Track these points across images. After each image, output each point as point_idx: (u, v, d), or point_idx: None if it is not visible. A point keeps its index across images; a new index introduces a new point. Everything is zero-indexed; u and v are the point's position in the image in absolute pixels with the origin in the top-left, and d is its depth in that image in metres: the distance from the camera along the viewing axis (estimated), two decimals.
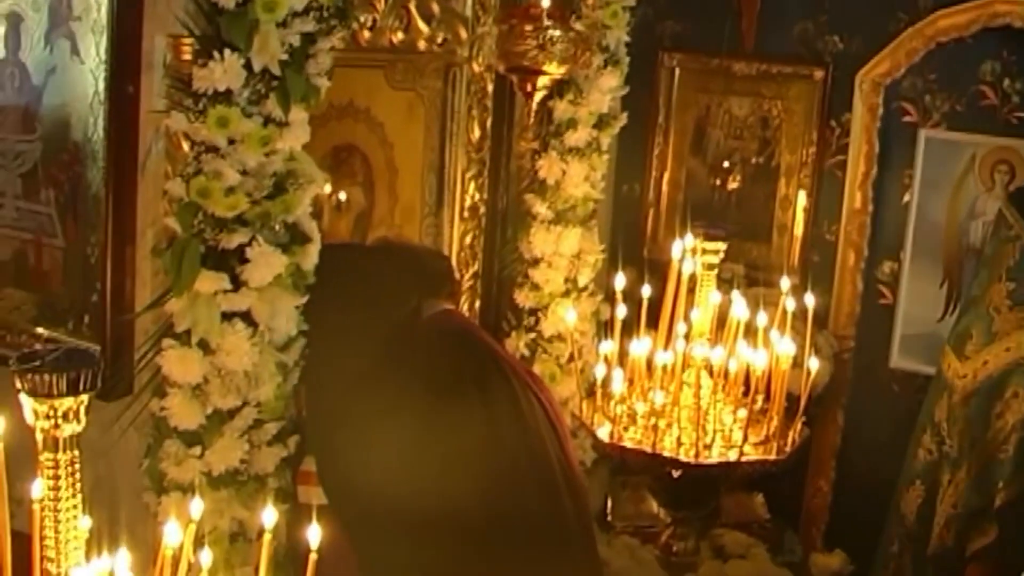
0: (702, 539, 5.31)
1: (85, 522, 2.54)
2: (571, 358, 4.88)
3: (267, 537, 2.62)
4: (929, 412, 5.18)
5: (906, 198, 5.84)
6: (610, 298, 4.82)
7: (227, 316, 3.51)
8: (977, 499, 4.86)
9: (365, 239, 4.52)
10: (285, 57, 3.45)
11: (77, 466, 2.38)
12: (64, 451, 2.35)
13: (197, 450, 3.54)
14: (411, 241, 4.66)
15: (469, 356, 3.95)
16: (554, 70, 4.47)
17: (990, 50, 5.58)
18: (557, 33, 4.38)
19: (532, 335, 5.13)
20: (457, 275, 4.71)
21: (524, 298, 5.11)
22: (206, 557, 2.60)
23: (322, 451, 3.81)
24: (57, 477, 2.37)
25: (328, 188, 4.32)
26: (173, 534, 2.49)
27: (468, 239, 4.93)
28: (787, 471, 4.90)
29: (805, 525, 6.11)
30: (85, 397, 2.32)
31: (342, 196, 4.46)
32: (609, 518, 5.75)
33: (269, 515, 2.65)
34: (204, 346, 3.50)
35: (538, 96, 4.57)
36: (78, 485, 2.39)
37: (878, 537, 5.57)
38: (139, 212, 3.66)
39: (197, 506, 2.64)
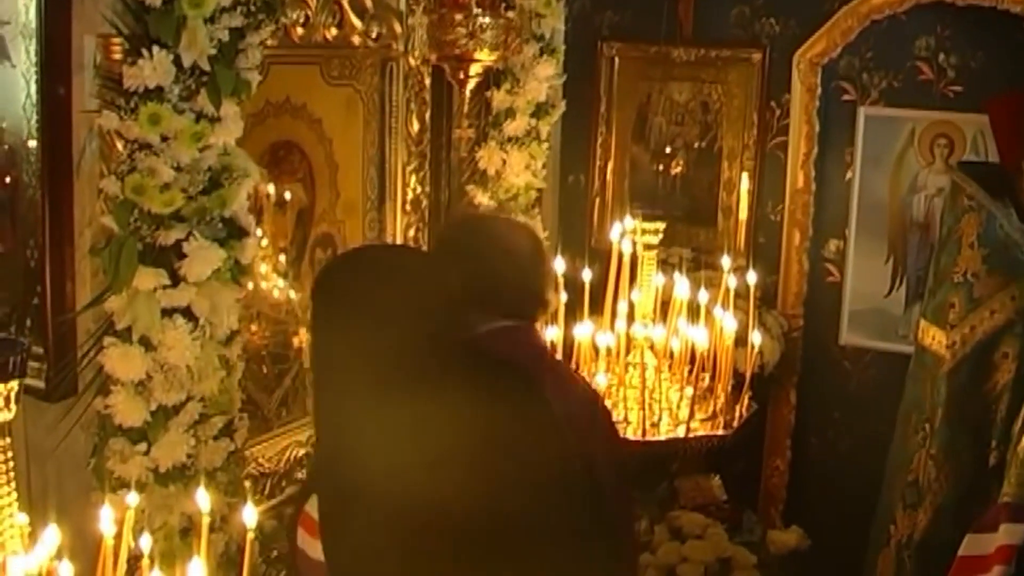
0: (659, 522, 5.34)
1: (22, 518, 2.55)
2: None
3: (205, 520, 2.64)
4: (915, 394, 5.21)
5: (848, 176, 5.90)
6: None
7: (167, 312, 3.52)
8: (980, 465, 4.93)
9: (307, 235, 4.52)
10: (214, 52, 3.47)
11: (10, 454, 2.40)
12: None
13: (143, 447, 3.54)
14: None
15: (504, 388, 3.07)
16: (485, 57, 4.50)
17: (924, 26, 5.65)
18: (487, 20, 4.41)
19: None
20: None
21: None
22: (145, 542, 2.62)
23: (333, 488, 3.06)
24: None
25: (272, 189, 4.34)
26: (106, 521, 2.50)
27: (412, 232, 4.95)
28: (740, 450, 4.94)
29: (764, 505, 6.15)
30: (15, 383, 2.34)
31: (287, 195, 4.46)
32: None
33: (202, 498, 2.66)
34: (145, 343, 3.50)
35: (471, 84, 4.60)
36: (12, 473, 2.40)
37: (837, 513, 5.62)
38: (76, 213, 3.66)
39: (133, 498, 2.66)
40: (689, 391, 4.44)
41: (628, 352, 4.51)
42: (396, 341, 2.91)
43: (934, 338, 5.06)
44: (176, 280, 3.51)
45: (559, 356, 3.98)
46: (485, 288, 3.37)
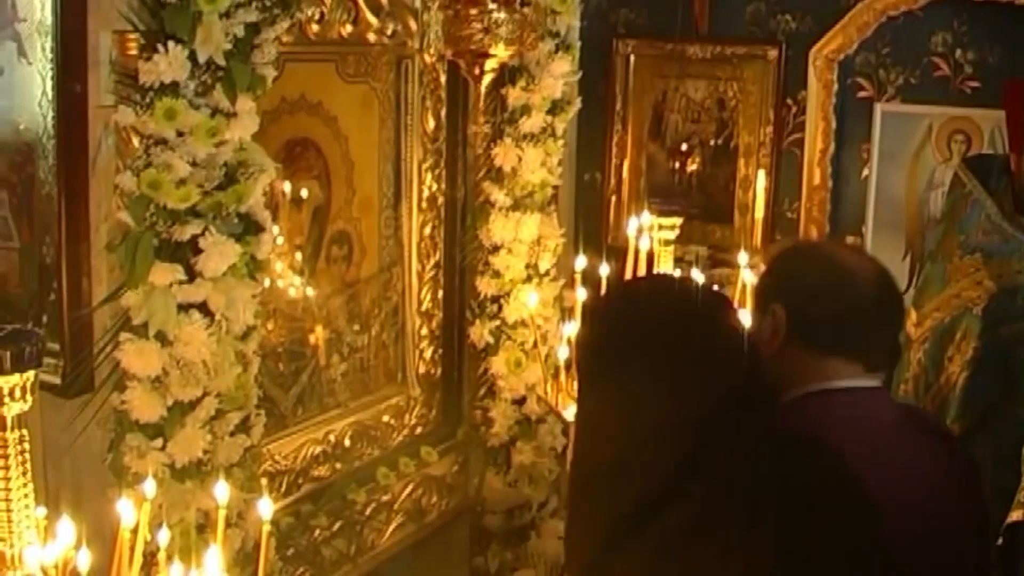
0: None
1: (40, 511, 2.55)
2: (536, 344, 4.89)
3: (222, 513, 2.63)
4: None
5: (865, 172, 5.90)
6: (571, 282, 4.83)
7: (183, 307, 3.51)
8: None
9: (323, 233, 4.52)
10: (229, 47, 3.47)
11: (27, 445, 2.40)
12: (12, 430, 2.37)
13: (159, 442, 3.53)
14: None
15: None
16: (501, 52, 4.48)
17: (941, 21, 5.65)
18: (502, 15, 4.39)
19: (496, 322, 5.11)
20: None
21: (486, 286, 5.09)
22: (163, 537, 2.62)
23: None
24: (6, 456, 2.38)
25: (287, 186, 4.33)
26: (127, 512, 2.50)
27: (428, 230, 4.96)
28: None
29: None
30: (31, 373, 2.34)
31: (303, 193, 4.45)
32: None
33: (221, 490, 2.66)
34: (162, 338, 3.49)
35: (486, 80, 4.58)
36: (28, 464, 2.40)
37: None
38: (92, 209, 3.65)
39: (150, 486, 2.65)
40: None
41: None
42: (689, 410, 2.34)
43: (909, 318, 5.09)
44: (192, 275, 3.50)
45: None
46: (821, 319, 2.85)
